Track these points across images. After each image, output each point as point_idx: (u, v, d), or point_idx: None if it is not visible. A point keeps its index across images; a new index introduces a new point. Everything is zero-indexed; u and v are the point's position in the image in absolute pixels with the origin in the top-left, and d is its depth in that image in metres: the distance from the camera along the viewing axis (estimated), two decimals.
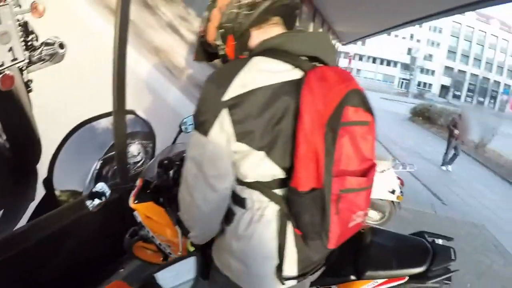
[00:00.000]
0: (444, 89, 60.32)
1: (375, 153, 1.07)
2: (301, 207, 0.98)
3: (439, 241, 2.01)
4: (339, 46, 17.15)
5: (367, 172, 1.02)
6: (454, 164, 10.95)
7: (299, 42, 1.02)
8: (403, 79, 58.72)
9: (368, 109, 1.03)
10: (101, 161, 1.81)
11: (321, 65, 1.03)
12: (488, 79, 59.33)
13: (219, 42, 1.10)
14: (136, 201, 1.74)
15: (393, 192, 4.32)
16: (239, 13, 1.03)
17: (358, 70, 60.63)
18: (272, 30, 1.07)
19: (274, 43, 1.01)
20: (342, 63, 37.10)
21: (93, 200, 1.42)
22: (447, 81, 60.11)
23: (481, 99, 58.25)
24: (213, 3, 1.09)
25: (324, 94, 0.92)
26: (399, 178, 4.49)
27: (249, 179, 1.04)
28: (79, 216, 1.80)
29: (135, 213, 1.78)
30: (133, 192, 1.83)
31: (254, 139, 0.96)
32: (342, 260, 1.69)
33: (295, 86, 0.96)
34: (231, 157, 1.00)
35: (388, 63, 62.81)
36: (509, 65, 59.59)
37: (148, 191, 1.77)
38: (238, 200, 1.10)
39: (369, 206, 1.09)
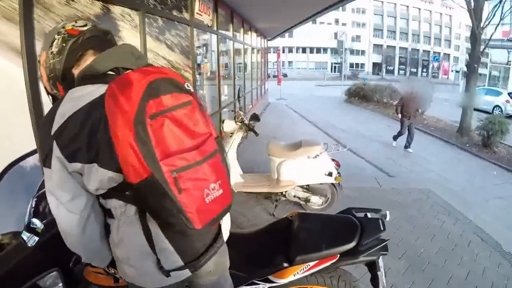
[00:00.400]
0: (376, 66, 64.74)
1: (209, 124, 1.24)
2: (144, 198, 1.12)
3: (369, 215, 2.19)
4: (265, 42, 17.55)
5: (201, 145, 1.17)
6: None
7: (102, 62, 1.21)
8: (335, 63, 61.87)
9: (185, 91, 1.19)
10: (36, 198, 1.80)
11: (128, 71, 1.19)
12: (417, 50, 64.80)
13: (55, 91, 1.32)
14: None
15: (330, 174, 4.46)
16: (54, 62, 1.25)
17: (290, 62, 64.37)
18: (87, 62, 1.25)
19: (84, 72, 1.21)
20: (272, 57, 38.14)
21: (29, 236, 1.49)
22: (378, 58, 64.63)
23: (413, 69, 63.31)
24: (39, 63, 1.31)
25: (127, 95, 1.06)
26: (334, 160, 4.66)
27: (101, 190, 1.20)
28: (24, 255, 1.87)
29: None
30: None
31: (82, 155, 1.13)
32: (273, 250, 1.90)
33: (103, 99, 1.12)
34: (76, 179, 1.18)
35: (318, 50, 66.14)
36: (435, 33, 66.08)
37: None
38: (108, 213, 1.29)
39: (225, 176, 1.25)
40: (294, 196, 4.70)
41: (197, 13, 5.62)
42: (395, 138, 10.11)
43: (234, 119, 4.75)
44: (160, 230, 1.23)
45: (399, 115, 9.66)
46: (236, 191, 4.65)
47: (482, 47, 12.44)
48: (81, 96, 1.16)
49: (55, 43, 1.25)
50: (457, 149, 10.81)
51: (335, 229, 2.01)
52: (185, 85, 1.20)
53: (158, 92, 1.10)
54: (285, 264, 1.85)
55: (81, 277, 1.86)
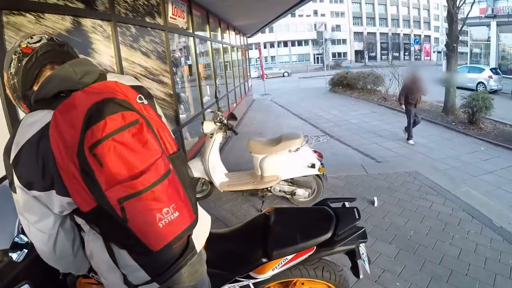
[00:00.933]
0: (358, 53, 65.45)
1: (160, 142, 1.20)
2: (98, 224, 1.18)
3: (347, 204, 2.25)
4: (245, 39, 17.64)
5: (150, 168, 1.12)
6: (379, 121, 11.66)
7: (45, 86, 1.18)
8: (317, 54, 62.32)
9: (131, 109, 1.15)
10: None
11: (73, 93, 1.16)
12: (398, 34, 65.70)
13: (22, 109, 1.32)
14: None
15: (313, 166, 4.48)
16: (14, 83, 1.26)
17: (273, 57, 65.28)
18: None
19: (34, 97, 1.20)
20: (253, 54, 38.23)
21: (16, 252, 1.52)
22: (359, 46, 65.35)
23: (396, 54, 63.90)
24: (4, 85, 1.32)
25: (70, 123, 1.06)
26: (316, 152, 4.68)
27: (66, 211, 1.22)
28: (16, 273, 1.87)
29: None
30: None
31: (38, 184, 1.14)
32: (252, 246, 1.92)
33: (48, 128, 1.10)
34: (42, 201, 1.18)
35: (300, 43, 66.93)
36: (414, 16, 67.27)
37: None
38: (79, 226, 1.33)
39: (181, 196, 1.21)
40: (280, 191, 4.72)
41: (171, 17, 5.61)
42: (408, 133, 9.10)
43: (213, 119, 4.71)
44: (121, 249, 1.25)
45: (403, 106, 8.98)
46: (222, 190, 4.71)
47: (459, 26, 12.53)
48: (33, 123, 1.15)
49: (12, 63, 1.24)
50: (443, 129, 10.88)
51: (311, 221, 2.04)
52: (137, 98, 1.21)
53: (101, 115, 1.08)
54: (264, 260, 1.86)
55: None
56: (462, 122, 11.04)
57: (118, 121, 1.09)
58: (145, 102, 1.23)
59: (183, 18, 6.31)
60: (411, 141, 8.91)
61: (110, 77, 1.33)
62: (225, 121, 4.68)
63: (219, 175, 4.79)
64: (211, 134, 4.71)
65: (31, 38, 1.27)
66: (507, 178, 6.46)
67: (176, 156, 1.26)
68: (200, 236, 1.48)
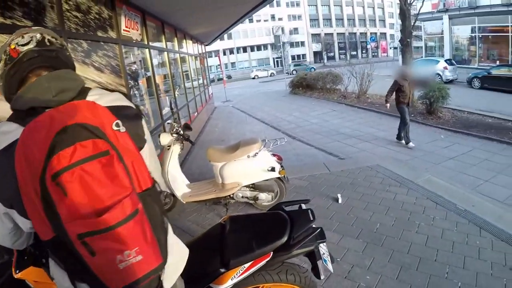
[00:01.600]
0: (317, 54, 67.09)
1: (131, 177, 1.09)
2: (56, 255, 1.13)
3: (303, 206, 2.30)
4: (203, 48, 17.67)
5: (115, 206, 1.01)
6: (339, 119, 11.83)
7: (20, 99, 1.14)
8: (277, 58, 63.45)
9: (103, 138, 1.05)
10: None
11: (46, 111, 1.07)
12: (354, 33, 68.18)
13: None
14: (17, 271, 1.77)
15: (273, 169, 4.48)
16: (1, 85, 1.23)
17: (233, 63, 66.43)
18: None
19: (11, 106, 1.16)
20: (213, 61, 38.21)
21: None
22: (317, 47, 67.08)
23: (354, 52, 66.18)
24: None
25: (36, 145, 0.98)
26: (275, 155, 4.69)
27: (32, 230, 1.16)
28: None
29: (26, 282, 1.80)
30: (12, 264, 1.84)
31: (3, 198, 1.11)
32: (209, 258, 1.91)
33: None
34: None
35: (259, 48, 68.38)
36: (369, 15, 70.66)
37: (25, 257, 1.79)
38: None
39: (147, 239, 1.09)
40: (243, 197, 4.70)
41: (124, 30, 5.48)
42: (401, 136, 8.33)
43: (169, 131, 4.64)
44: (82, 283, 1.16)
45: (387, 105, 8.40)
46: (184, 202, 4.64)
47: (412, 21, 13.04)
48: (7, 132, 1.10)
49: (0, 65, 1.20)
50: None
51: (266, 227, 2.04)
52: (113, 124, 1.09)
53: (71, 140, 0.99)
54: (222, 270, 1.86)
55: None
56: (421, 113, 11.36)
57: (89, 148, 1.01)
58: (122, 129, 1.11)
59: (137, 30, 6.19)
60: (411, 144, 7.97)
61: (93, 94, 1.25)
62: (181, 132, 4.61)
63: (180, 186, 4.72)
64: (168, 146, 4.62)
65: (22, 37, 1.20)
66: (467, 163, 6.65)
67: (149, 193, 1.15)
68: (173, 274, 1.39)
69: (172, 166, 4.62)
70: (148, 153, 1.35)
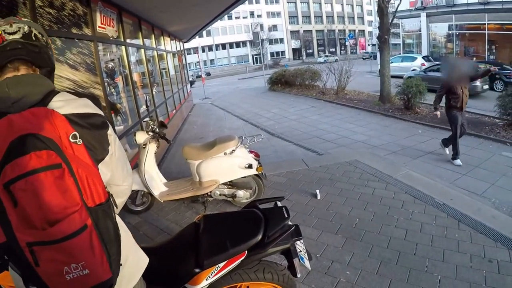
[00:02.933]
0: (296, 51, 67.68)
1: (80, 193, 1.07)
2: (9, 260, 1.09)
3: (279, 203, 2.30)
4: (181, 45, 17.55)
5: (63, 220, 1.01)
6: (318, 115, 11.87)
7: None
8: (256, 55, 63.75)
9: (56, 150, 1.03)
10: None
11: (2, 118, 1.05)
12: (333, 30, 68.94)
13: None
14: None
15: (250, 166, 4.47)
16: None
17: (212, 60, 66.86)
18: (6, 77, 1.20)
19: None
20: (192, 58, 37.87)
21: None
22: (296, 44, 67.55)
23: (332, 49, 67.00)
24: None
25: None
26: (252, 152, 4.70)
27: None
28: None
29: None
30: None
31: None
32: (183, 258, 1.88)
33: None
34: None
35: (238, 44, 68.78)
36: (348, 12, 72.17)
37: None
38: None
39: (95, 254, 1.09)
40: (220, 195, 4.67)
41: (99, 26, 5.37)
42: (454, 147, 6.58)
43: (145, 129, 4.59)
44: None
45: (437, 113, 6.96)
46: (162, 200, 4.61)
47: (390, 19, 13.22)
48: None
49: None
50: (382, 116, 11.25)
51: (240, 226, 2.04)
52: (70, 136, 1.08)
53: (26, 149, 0.99)
54: (197, 270, 1.83)
55: None
56: (399, 108, 11.48)
57: (43, 159, 1.00)
58: (79, 142, 1.10)
59: (113, 27, 6.07)
60: (458, 161, 6.43)
61: (58, 99, 1.19)
62: (157, 130, 4.54)
63: (157, 185, 4.67)
64: (144, 145, 4.56)
65: (10, 25, 1.21)
66: (445, 157, 6.71)
67: (102, 209, 1.13)
68: (127, 283, 1.41)
69: (148, 164, 4.56)
70: (115, 162, 1.35)
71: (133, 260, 1.45)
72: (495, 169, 5.98)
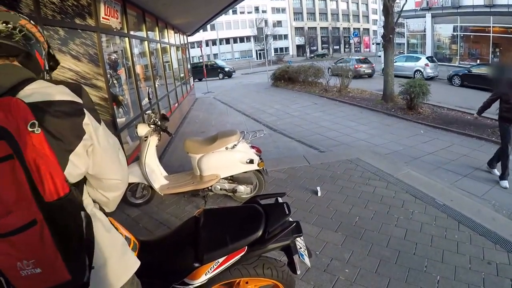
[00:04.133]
0: (300, 48, 67.37)
1: (30, 188, 1.01)
2: None
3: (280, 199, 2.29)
4: (185, 38, 17.44)
5: (8, 215, 0.99)
6: (320, 112, 11.84)
7: None
8: (260, 50, 63.52)
9: (9, 142, 0.98)
10: None
11: None
12: (338, 28, 68.69)
13: None
14: None
15: (252, 161, 4.45)
16: None
17: (215, 55, 65.81)
18: None
19: None
20: (196, 52, 37.75)
21: None
22: (301, 41, 67.30)
23: (336, 47, 66.79)
24: None
25: None
26: (253, 147, 4.67)
27: None
28: None
29: None
30: None
31: None
32: (183, 252, 1.87)
33: None
34: None
35: (242, 39, 68.39)
36: (353, 10, 71.77)
37: None
38: None
39: (47, 253, 1.04)
40: (221, 189, 4.65)
41: (103, 17, 5.30)
42: (494, 164, 6.04)
43: (147, 121, 4.54)
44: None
45: (476, 116, 6.52)
46: (162, 194, 4.59)
47: (395, 18, 13.17)
48: None
49: None
50: (384, 115, 11.25)
51: (240, 221, 2.01)
52: (29, 125, 0.99)
53: None
54: (196, 265, 1.82)
55: None
56: (401, 108, 11.48)
57: (1, 149, 0.98)
58: (37, 131, 1.01)
59: (117, 18, 6.00)
60: (505, 183, 5.56)
61: (31, 87, 1.13)
62: (158, 123, 4.50)
63: (158, 178, 4.64)
64: (145, 137, 4.52)
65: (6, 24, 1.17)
66: (447, 158, 6.71)
67: (60, 204, 1.05)
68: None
69: (149, 157, 4.53)
70: (100, 154, 1.28)
71: (116, 264, 1.37)
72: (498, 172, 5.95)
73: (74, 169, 1.16)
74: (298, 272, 2.02)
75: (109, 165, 1.34)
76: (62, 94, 1.16)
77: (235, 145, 4.46)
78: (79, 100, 1.19)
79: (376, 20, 66.51)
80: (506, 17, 21.68)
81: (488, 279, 2.93)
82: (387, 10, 12.85)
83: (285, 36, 68.38)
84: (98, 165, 1.28)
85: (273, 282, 2.11)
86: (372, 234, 3.66)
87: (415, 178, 5.08)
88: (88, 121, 1.21)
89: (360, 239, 3.58)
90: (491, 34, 23.57)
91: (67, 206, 1.07)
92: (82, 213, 1.16)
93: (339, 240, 3.59)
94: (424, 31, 29.28)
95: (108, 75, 5.35)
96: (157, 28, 9.99)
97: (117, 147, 1.41)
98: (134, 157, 5.65)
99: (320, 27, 69.35)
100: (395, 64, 14.50)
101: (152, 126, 4.46)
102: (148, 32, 8.66)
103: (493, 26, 23.25)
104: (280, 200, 2.27)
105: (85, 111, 1.20)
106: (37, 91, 1.12)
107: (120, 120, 5.71)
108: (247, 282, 2.12)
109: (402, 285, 2.88)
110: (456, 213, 4.03)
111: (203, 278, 1.84)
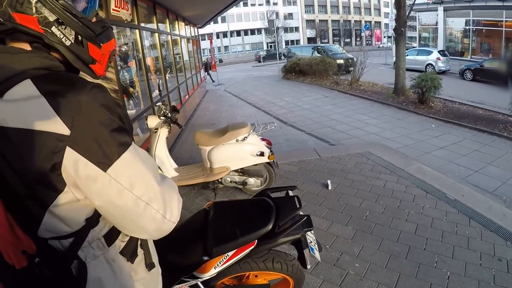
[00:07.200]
0: (311, 40, 66.64)
1: None
2: None
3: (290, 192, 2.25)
4: (195, 30, 17.37)
5: None
6: (331, 105, 11.76)
7: None
8: (270, 43, 63.01)
9: None
10: None
11: None
12: (349, 21, 67.98)
13: None
14: None
15: (262, 154, 4.41)
16: None
17: (226, 47, 66.20)
18: None
19: None
20: (207, 44, 37.69)
21: None
22: (312, 33, 66.56)
23: (347, 40, 66.15)
24: None
25: None
26: (264, 139, 4.64)
27: None
28: None
29: None
30: None
31: None
32: (192, 246, 1.84)
33: None
34: None
35: (253, 32, 68.17)
36: (364, 3, 70.94)
37: None
38: None
39: None
40: (231, 182, 4.62)
41: (113, 9, 5.26)
42: None
43: (157, 113, 4.54)
44: None
45: None
46: None
47: (407, 11, 13.01)
48: None
49: None
50: (395, 109, 11.13)
51: (250, 214, 1.98)
52: None
53: None
54: (205, 258, 1.79)
55: None
56: (413, 102, 11.35)
57: None
58: None
59: (127, 10, 5.96)
60: None
61: (16, 91, 0.79)
62: (169, 115, 4.49)
63: (168, 170, 4.63)
64: (155, 129, 4.50)
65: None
66: (458, 153, 6.63)
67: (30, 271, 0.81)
68: None
69: (159, 149, 4.51)
70: (114, 209, 0.89)
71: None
72: (507, 167, 5.87)
73: (57, 224, 0.86)
74: (309, 267, 1.99)
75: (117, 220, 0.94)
76: (31, 118, 0.78)
77: (246, 137, 4.43)
78: (62, 130, 0.79)
79: (388, 13, 65.60)
80: None
81: (499, 276, 2.89)
82: (399, 3, 12.70)
83: (296, 29, 67.91)
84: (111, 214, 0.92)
85: (282, 276, 2.09)
86: (382, 229, 3.63)
87: (426, 172, 5.02)
88: (74, 162, 0.81)
89: (370, 234, 3.55)
90: (504, 29, 23.36)
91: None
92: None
93: (350, 234, 3.57)
94: (436, 25, 29.06)
95: (119, 67, 5.33)
96: (167, 20, 9.97)
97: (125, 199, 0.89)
98: (145, 149, 5.69)
99: (332, 20, 68.64)
100: (406, 57, 14.32)
101: (162, 118, 4.45)
102: (159, 24, 8.62)
103: (505, 21, 23.01)
104: (291, 193, 2.24)
105: (71, 149, 0.80)
106: (7, 105, 0.79)
107: (131, 112, 5.72)
108: (256, 276, 2.10)
109: (412, 281, 2.85)
110: (467, 209, 3.97)
111: (212, 272, 1.82)
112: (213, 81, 21.59)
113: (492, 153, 6.64)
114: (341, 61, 20.31)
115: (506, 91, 8.46)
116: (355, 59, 18.36)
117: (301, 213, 2.00)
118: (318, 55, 21.11)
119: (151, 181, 0.92)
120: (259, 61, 44.03)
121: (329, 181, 4.71)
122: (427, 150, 6.89)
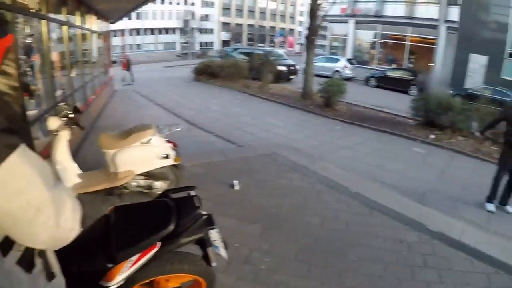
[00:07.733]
0: (225, 43, 67.43)
1: None
2: None
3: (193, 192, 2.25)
4: (107, 25, 16.54)
5: None
6: (241, 107, 12.00)
7: None
8: (184, 43, 62.43)
9: None
10: None
11: None
12: (264, 26, 70.07)
13: None
14: None
15: (167, 156, 4.33)
16: None
17: (138, 45, 63.22)
18: None
19: None
20: (116, 41, 36.08)
21: None
22: (226, 36, 67.38)
23: (261, 44, 68.01)
24: None
25: None
26: (169, 141, 4.54)
27: None
28: None
29: None
30: None
31: None
32: (95, 253, 1.76)
33: None
34: None
35: (167, 31, 66.72)
36: (280, 10, 74.33)
37: None
38: None
39: None
40: (136, 186, 4.47)
41: None
42: (506, 198, 5.27)
43: (58, 114, 4.19)
44: None
45: (478, 134, 6.60)
46: (75, 193, 4.18)
47: (319, 21, 13.93)
48: None
49: None
50: (302, 112, 11.65)
51: (152, 216, 1.99)
52: None
53: None
54: (109, 265, 1.74)
55: None
56: (319, 105, 12.00)
57: None
58: None
59: None
60: (490, 206, 5.17)
61: None
62: (70, 116, 4.17)
63: (71, 176, 4.28)
64: (55, 132, 4.14)
65: None
66: (361, 151, 7.13)
67: None
68: None
69: (60, 153, 4.15)
70: None
71: None
72: (405, 162, 6.46)
73: None
74: (213, 264, 2.00)
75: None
76: None
77: (150, 139, 4.30)
78: None
79: (302, 21, 69.20)
80: (422, 29, 24.46)
81: (401, 256, 3.21)
82: (313, 13, 13.46)
83: (211, 31, 68.18)
84: None
85: (193, 278, 2.09)
86: (290, 224, 3.75)
87: (330, 170, 5.33)
88: None
89: (278, 229, 3.65)
90: (407, 43, 26.71)
91: None
92: None
93: (258, 231, 3.62)
94: (346, 36, 31.36)
95: (21, 62, 4.87)
96: (79, 12, 9.31)
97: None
98: (47, 154, 5.25)
99: (247, 24, 70.42)
100: (316, 64, 15.16)
101: (63, 119, 4.11)
102: (69, 15, 8.03)
103: (410, 36, 26.30)
104: (192, 193, 2.22)
105: None
106: None
107: (32, 112, 5.20)
108: (167, 280, 2.07)
109: (323, 269, 3.00)
110: (368, 200, 4.29)
111: (118, 279, 1.75)
112: (133, 81, 20.68)
113: (392, 151, 7.26)
114: (283, 68, 20.10)
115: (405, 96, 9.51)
116: (297, 66, 18.99)
117: (203, 212, 2.01)
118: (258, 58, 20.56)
119: (40, 187, 0.85)
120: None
121: (235, 181, 4.72)
122: (331, 150, 7.32)
